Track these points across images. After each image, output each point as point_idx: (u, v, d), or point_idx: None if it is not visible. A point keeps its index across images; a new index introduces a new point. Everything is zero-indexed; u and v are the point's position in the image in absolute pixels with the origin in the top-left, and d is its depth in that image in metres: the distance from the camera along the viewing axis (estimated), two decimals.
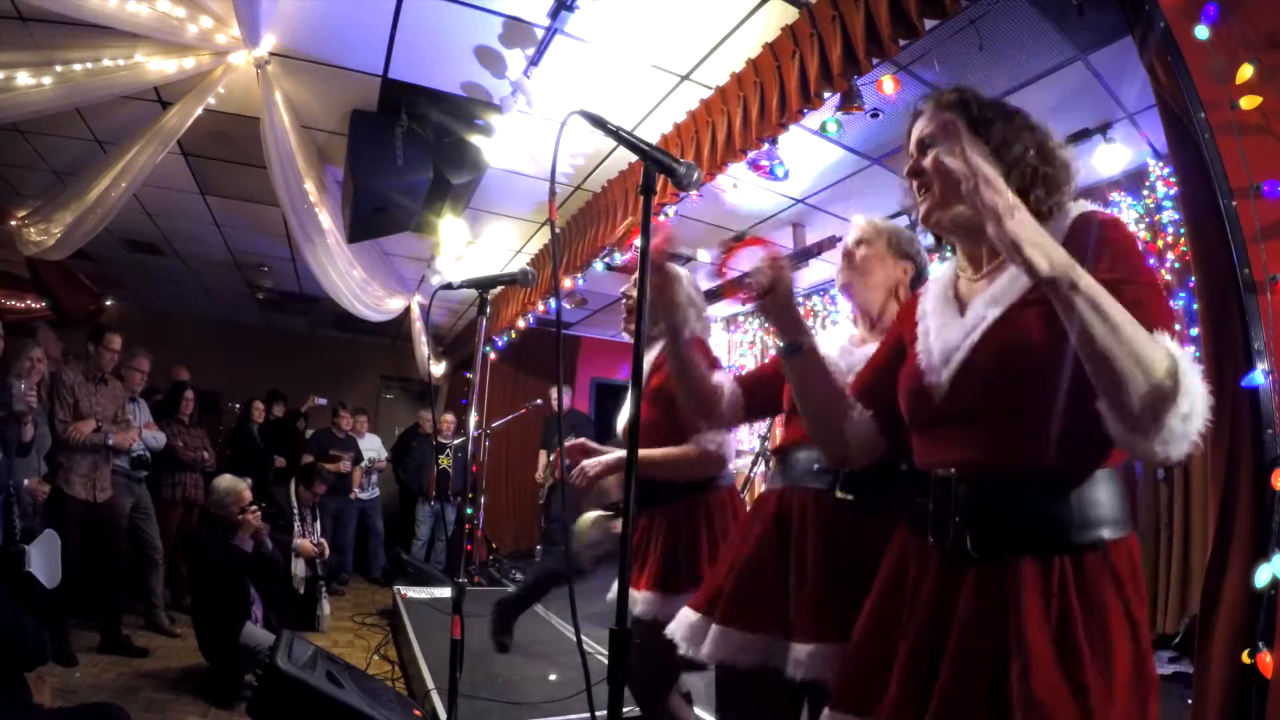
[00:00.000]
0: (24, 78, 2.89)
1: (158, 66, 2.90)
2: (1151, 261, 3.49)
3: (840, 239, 1.47)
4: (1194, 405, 0.80)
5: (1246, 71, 1.56)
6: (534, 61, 3.00)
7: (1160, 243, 3.53)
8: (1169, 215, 3.50)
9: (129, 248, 5.92)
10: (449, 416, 7.06)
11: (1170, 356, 0.81)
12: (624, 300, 2.14)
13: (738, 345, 6.89)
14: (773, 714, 1.44)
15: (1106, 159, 3.32)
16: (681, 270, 2.11)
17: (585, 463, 1.92)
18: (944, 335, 1.06)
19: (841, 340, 1.58)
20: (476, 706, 2.63)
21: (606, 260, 4.26)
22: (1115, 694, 0.86)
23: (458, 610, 1.76)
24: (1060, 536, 0.92)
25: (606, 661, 1.03)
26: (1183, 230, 1.85)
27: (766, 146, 3.03)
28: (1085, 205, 1.04)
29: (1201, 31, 1.62)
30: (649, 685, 1.87)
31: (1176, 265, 3.45)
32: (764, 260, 1.18)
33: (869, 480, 1.40)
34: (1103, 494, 0.94)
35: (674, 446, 1.88)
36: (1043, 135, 1.05)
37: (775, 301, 1.19)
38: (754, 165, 3.55)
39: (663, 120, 3.47)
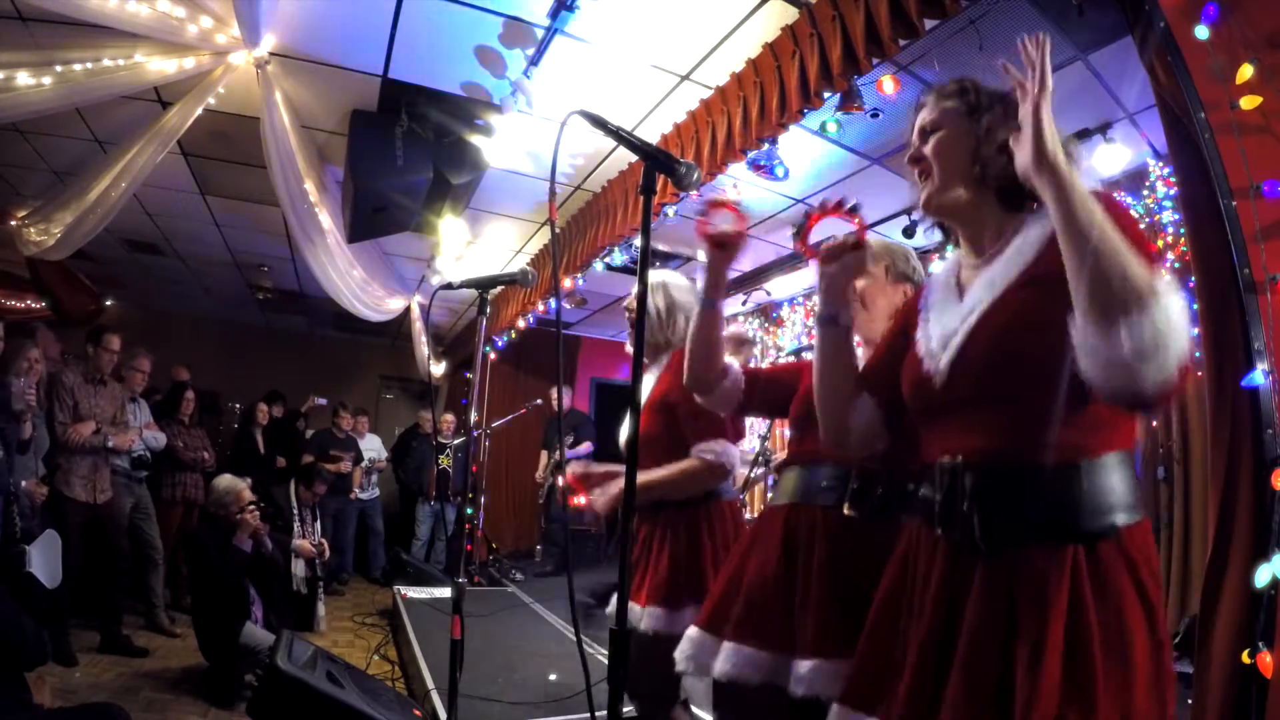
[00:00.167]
0: (24, 78, 2.89)
1: (158, 66, 2.90)
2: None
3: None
4: (1171, 321, 0.78)
5: (1246, 71, 1.56)
6: (534, 61, 3.00)
7: (1160, 243, 3.53)
8: (1169, 215, 3.50)
9: (129, 248, 5.92)
10: (449, 416, 7.06)
11: (1151, 273, 0.81)
12: (626, 314, 2.10)
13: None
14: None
15: (1106, 159, 3.32)
16: (671, 274, 2.10)
17: (597, 503, 1.87)
18: (942, 321, 1.06)
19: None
20: (476, 706, 2.63)
21: (606, 260, 4.27)
22: (1134, 689, 0.84)
23: (458, 610, 1.76)
24: (1071, 523, 0.90)
25: (606, 662, 1.03)
26: (1183, 230, 1.85)
27: (766, 146, 3.03)
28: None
29: (1201, 31, 1.62)
30: (654, 701, 1.86)
31: (1176, 265, 3.45)
32: (848, 235, 1.23)
33: (877, 497, 1.40)
34: (1114, 478, 0.92)
35: (676, 462, 1.85)
36: None
37: (837, 271, 1.23)
38: (754, 165, 3.55)
39: (663, 120, 3.47)
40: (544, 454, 6.72)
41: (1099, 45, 2.71)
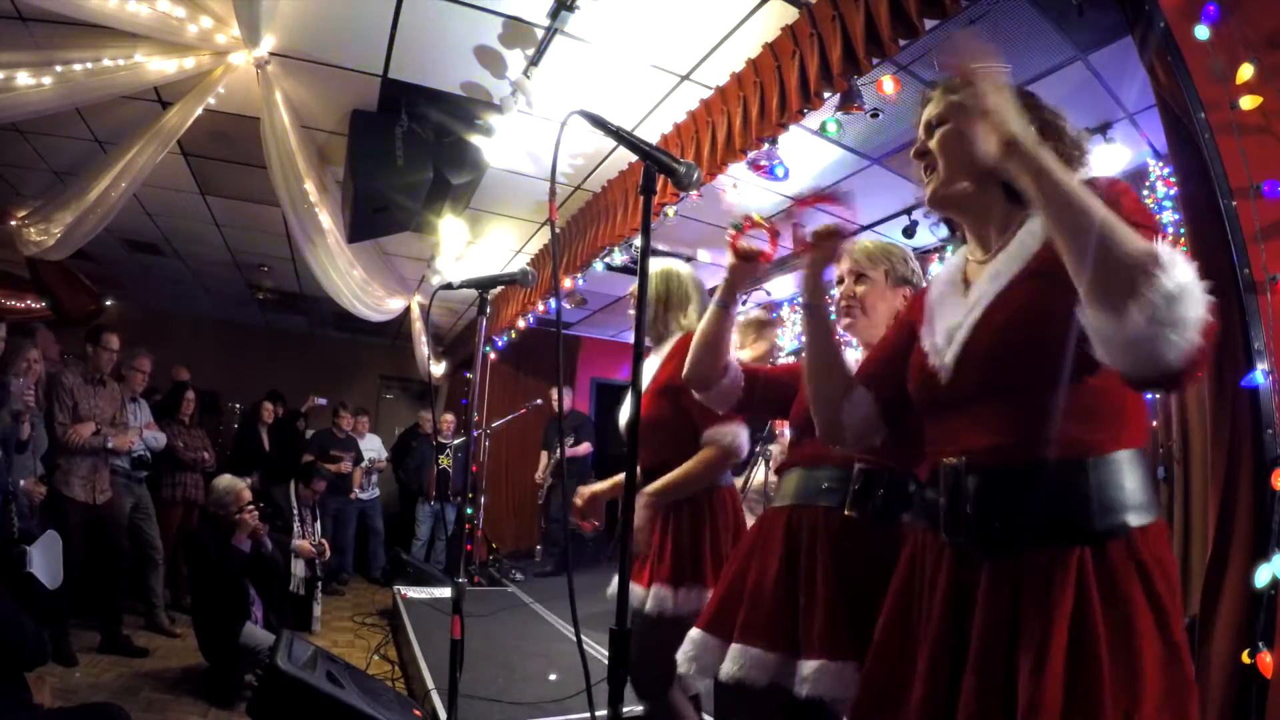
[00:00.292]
0: (24, 78, 2.89)
1: (158, 66, 2.90)
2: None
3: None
4: (1183, 286, 0.73)
5: (1246, 71, 1.56)
6: (534, 61, 3.00)
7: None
8: (1169, 215, 3.50)
9: (129, 248, 5.92)
10: (449, 416, 7.06)
11: (1151, 243, 0.76)
12: (632, 298, 2.12)
13: (737, 345, 6.88)
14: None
15: (1106, 159, 3.31)
16: (676, 263, 2.11)
17: (637, 530, 1.85)
18: (947, 316, 1.04)
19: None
20: (476, 706, 2.63)
21: (606, 260, 4.26)
22: (1142, 699, 0.80)
23: (458, 610, 1.76)
24: (1078, 524, 0.87)
25: (606, 661, 1.03)
26: (1183, 230, 1.84)
27: (766, 146, 3.03)
28: (1083, 173, 1.02)
29: (1201, 31, 1.62)
30: (654, 680, 1.88)
31: None
32: (825, 226, 1.25)
33: (878, 498, 1.40)
34: (1124, 476, 0.88)
35: (691, 457, 1.85)
36: (1052, 115, 1.04)
37: (816, 258, 1.25)
38: (754, 165, 3.55)
39: (663, 120, 3.47)
40: (544, 454, 6.72)
41: (1099, 45, 2.71)
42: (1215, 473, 1.60)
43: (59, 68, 2.88)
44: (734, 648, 1.41)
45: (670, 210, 3.55)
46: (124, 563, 3.84)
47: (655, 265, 2.05)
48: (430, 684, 2.90)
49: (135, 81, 2.97)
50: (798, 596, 1.42)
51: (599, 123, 1.11)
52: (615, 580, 1.91)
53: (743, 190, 4.10)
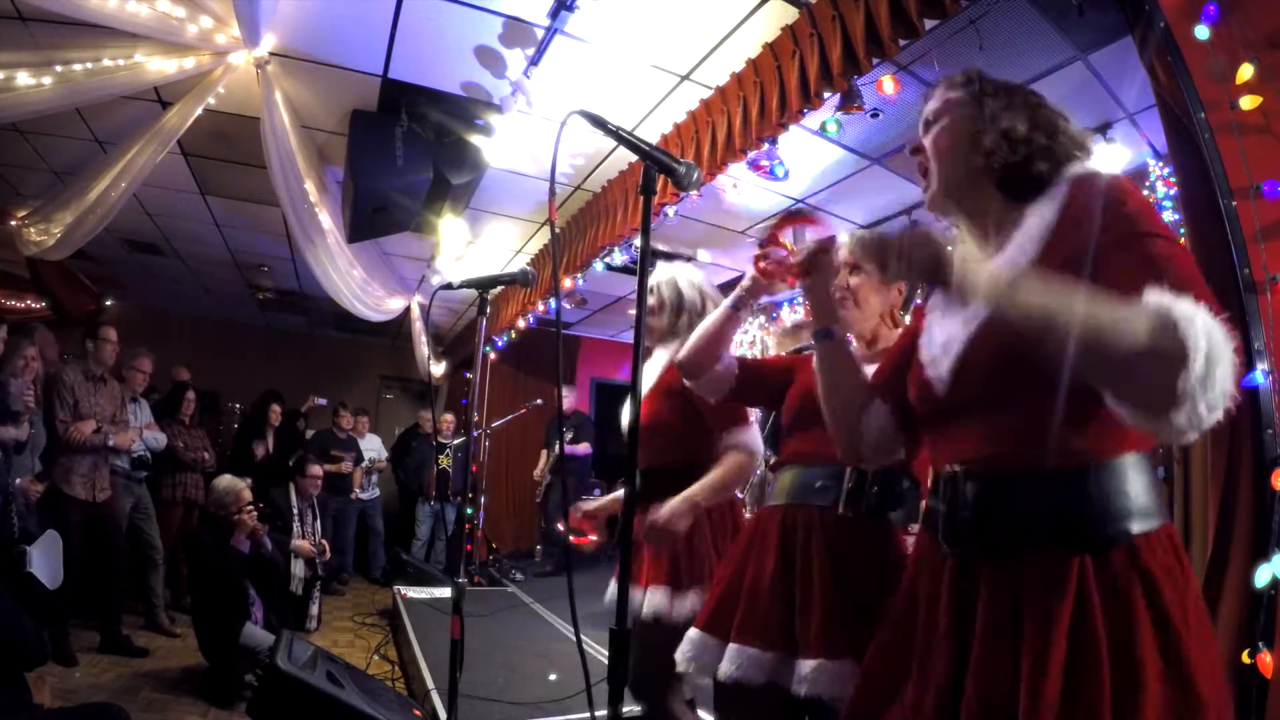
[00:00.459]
0: (24, 78, 2.89)
1: (158, 66, 2.90)
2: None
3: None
4: (1212, 365, 0.68)
5: (1246, 71, 1.56)
6: (534, 61, 3.00)
7: None
8: (1169, 215, 3.49)
9: (129, 248, 5.92)
10: (449, 416, 7.06)
11: (1154, 313, 0.71)
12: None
13: (737, 345, 6.90)
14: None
15: (1106, 159, 3.31)
16: (686, 268, 2.11)
17: (675, 534, 1.80)
18: (945, 325, 1.03)
19: None
20: (476, 706, 2.63)
21: (606, 260, 4.26)
22: (1142, 712, 0.77)
23: (458, 610, 1.76)
24: (1077, 531, 0.85)
25: (606, 661, 1.03)
26: (1183, 230, 1.84)
27: (766, 146, 3.02)
28: (1081, 167, 0.99)
29: (1201, 31, 1.62)
30: (651, 683, 1.87)
31: None
32: (814, 242, 1.23)
33: (872, 496, 1.40)
34: (1127, 481, 0.86)
35: (691, 459, 1.85)
36: (1047, 112, 1.02)
37: (817, 283, 1.23)
38: (754, 165, 3.55)
39: (663, 120, 3.47)
40: (544, 453, 6.73)
41: (1099, 45, 2.71)
42: (1215, 473, 1.60)
43: (59, 68, 2.88)
44: (731, 648, 1.41)
45: (670, 210, 3.55)
46: (122, 562, 3.84)
47: (667, 271, 2.06)
48: (430, 684, 2.90)
49: (135, 81, 2.97)
50: (794, 596, 1.42)
51: (599, 123, 1.11)
52: (613, 584, 1.92)
53: (743, 190, 4.10)
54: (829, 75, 2.44)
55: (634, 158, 1.46)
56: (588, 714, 1.94)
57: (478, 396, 2.12)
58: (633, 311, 1.26)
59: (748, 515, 2.07)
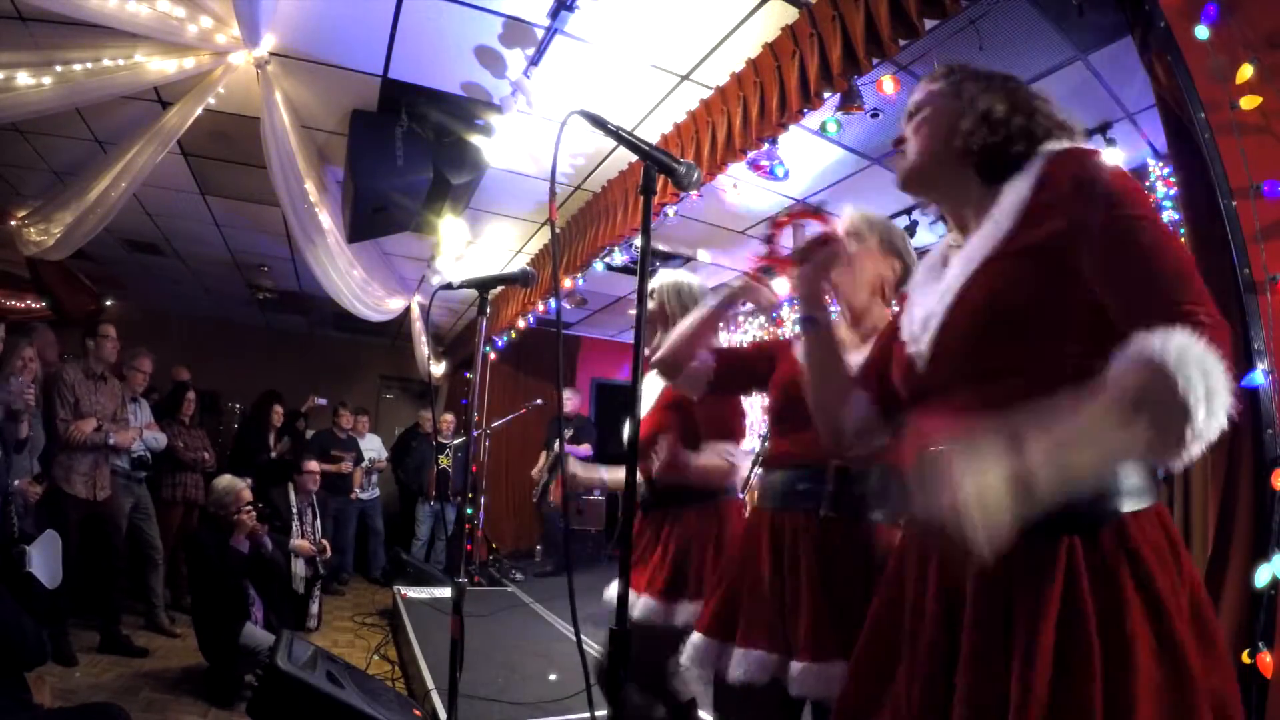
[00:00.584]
0: (24, 78, 2.89)
1: (158, 66, 2.90)
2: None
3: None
4: (1212, 399, 0.70)
5: (1246, 71, 1.56)
6: (534, 61, 3.00)
7: None
8: (1169, 215, 3.49)
9: (129, 248, 5.92)
10: (449, 416, 7.06)
11: (1146, 383, 0.71)
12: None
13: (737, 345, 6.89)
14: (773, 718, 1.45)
15: (1106, 159, 3.31)
16: (686, 275, 2.11)
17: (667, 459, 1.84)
18: (924, 302, 1.02)
19: None
20: (476, 706, 2.63)
21: (606, 260, 4.26)
22: (1135, 698, 0.75)
23: (458, 610, 1.76)
24: (1064, 511, 0.79)
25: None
26: (1183, 230, 1.84)
27: (766, 146, 3.03)
28: (1056, 144, 0.96)
29: (1201, 31, 1.62)
30: (646, 687, 1.87)
31: None
32: (820, 234, 1.22)
33: (855, 496, 1.41)
34: None
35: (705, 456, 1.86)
36: (1025, 94, 1.01)
37: (810, 271, 1.22)
38: (754, 165, 3.55)
39: (663, 120, 3.47)
40: (544, 453, 6.73)
41: (1099, 45, 2.71)
42: (1215, 473, 1.60)
43: (59, 68, 2.88)
44: (738, 651, 1.42)
45: (670, 210, 3.55)
46: (120, 562, 3.84)
47: (669, 278, 2.06)
48: (430, 684, 2.90)
49: (135, 81, 2.97)
50: (786, 598, 1.43)
51: (599, 123, 1.11)
52: (613, 584, 1.92)
53: (743, 190, 4.10)
54: (829, 75, 2.44)
55: (634, 158, 1.45)
56: (588, 714, 1.94)
57: (478, 396, 2.11)
58: (633, 311, 1.27)
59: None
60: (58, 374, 3.63)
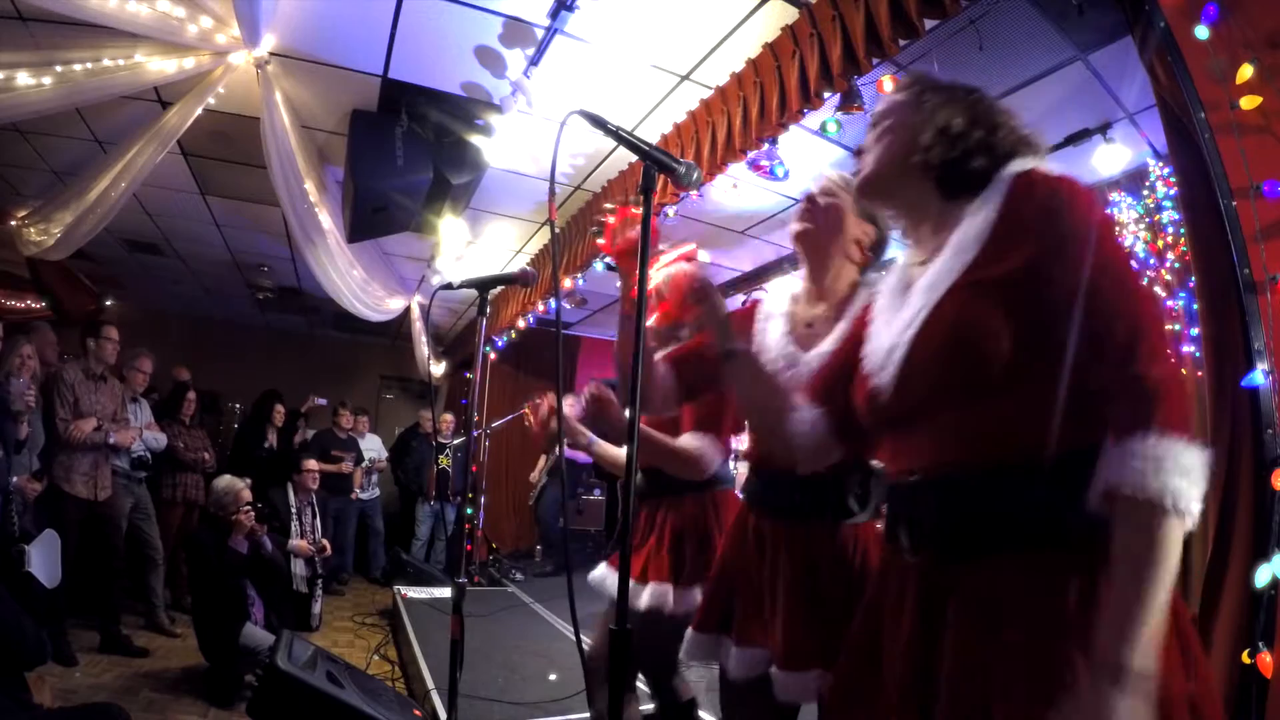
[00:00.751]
0: (24, 78, 2.89)
1: (158, 66, 2.90)
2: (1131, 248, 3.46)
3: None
4: (1190, 496, 0.78)
5: (1246, 71, 1.56)
6: (534, 61, 3.00)
7: (1160, 243, 3.53)
8: (1169, 215, 3.50)
9: (129, 248, 5.92)
10: (449, 416, 7.06)
11: (1144, 520, 0.78)
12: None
13: None
14: (774, 715, 1.45)
15: (1106, 159, 3.31)
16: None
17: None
18: (888, 331, 1.00)
19: (781, 326, 1.49)
20: (476, 706, 2.64)
21: (606, 260, 4.26)
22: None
23: (458, 610, 1.76)
24: (1042, 528, 0.82)
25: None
26: (1183, 230, 1.85)
27: (766, 146, 3.03)
28: (1022, 163, 0.93)
29: (1201, 31, 1.62)
30: (653, 674, 1.88)
31: (1176, 265, 3.44)
32: (691, 286, 1.25)
33: (826, 505, 1.38)
34: (1090, 472, 0.82)
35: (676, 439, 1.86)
36: (987, 107, 0.99)
37: (709, 314, 1.25)
38: (754, 165, 3.55)
39: (663, 120, 3.47)
40: (543, 458, 6.72)
41: (1099, 45, 2.71)
42: (1215, 473, 1.60)
43: (59, 68, 2.88)
44: (736, 651, 1.42)
45: (670, 210, 3.55)
46: (120, 562, 3.84)
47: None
48: (430, 684, 2.90)
49: (135, 81, 2.97)
50: (767, 599, 1.42)
51: (599, 123, 1.11)
52: (602, 566, 1.92)
53: (743, 190, 4.10)
54: (829, 75, 2.45)
55: (634, 158, 1.45)
56: (588, 714, 1.94)
57: (478, 396, 2.11)
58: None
59: None
60: (58, 374, 3.63)
